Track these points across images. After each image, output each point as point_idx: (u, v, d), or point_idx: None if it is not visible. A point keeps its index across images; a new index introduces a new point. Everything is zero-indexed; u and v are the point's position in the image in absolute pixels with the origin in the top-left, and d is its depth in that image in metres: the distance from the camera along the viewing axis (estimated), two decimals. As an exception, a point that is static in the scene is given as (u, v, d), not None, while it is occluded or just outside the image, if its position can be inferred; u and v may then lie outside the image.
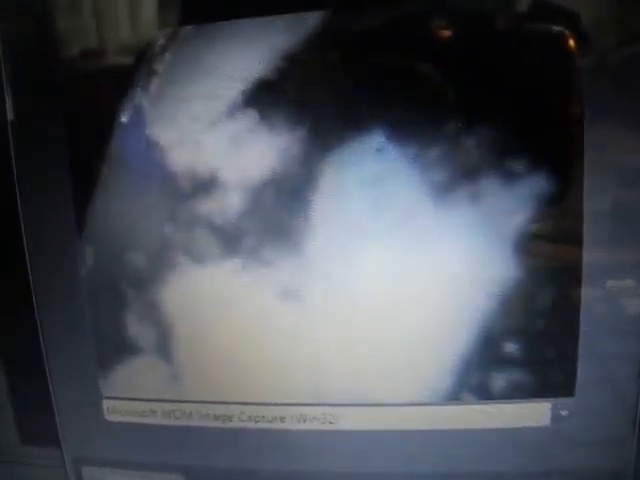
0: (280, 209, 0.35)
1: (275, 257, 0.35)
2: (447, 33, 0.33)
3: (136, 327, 0.38)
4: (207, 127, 0.35)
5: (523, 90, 0.33)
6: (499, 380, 0.35)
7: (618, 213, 0.33)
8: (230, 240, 0.36)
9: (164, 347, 0.38)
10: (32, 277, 0.38)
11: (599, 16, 0.32)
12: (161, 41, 0.35)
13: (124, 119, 0.35)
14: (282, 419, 0.38)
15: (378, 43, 0.33)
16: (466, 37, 0.33)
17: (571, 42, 0.32)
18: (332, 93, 0.34)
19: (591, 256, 0.33)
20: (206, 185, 0.35)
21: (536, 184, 0.33)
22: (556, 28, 0.32)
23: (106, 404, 0.39)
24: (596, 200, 0.33)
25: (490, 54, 0.33)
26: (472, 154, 0.33)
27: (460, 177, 0.33)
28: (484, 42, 0.33)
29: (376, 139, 0.34)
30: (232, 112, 0.34)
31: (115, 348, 0.38)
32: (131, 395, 0.39)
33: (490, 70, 0.33)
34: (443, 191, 0.34)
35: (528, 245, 0.34)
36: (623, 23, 0.32)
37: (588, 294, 0.34)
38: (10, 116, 0.36)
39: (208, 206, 0.36)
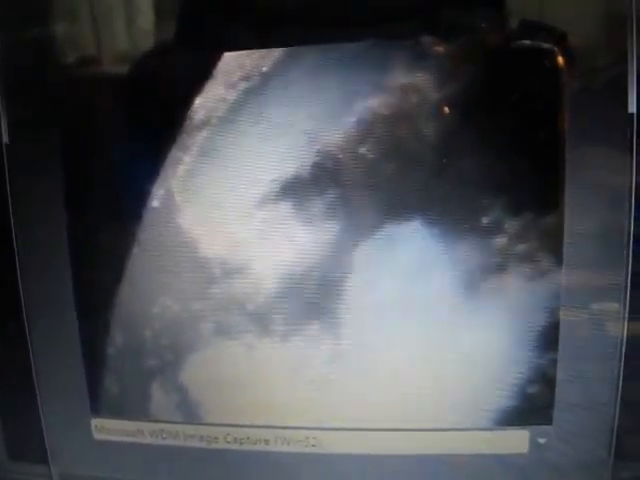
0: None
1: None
2: (439, 51, 0.33)
3: (125, 347, 0.38)
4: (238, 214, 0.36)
5: (508, 108, 0.32)
6: (478, 408, 0.35)
7: (599, 234, 0.32)
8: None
9: (153, 368, 0.38)
10: (22, 295, 0.38)
11: (585, 35, 0.32)
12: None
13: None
14: (266, 441, 0.38)
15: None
16: (456, 55, 0.33)
17: (558, 60, 0.31)
18: (366, 186, 0.34)
19: (571, 278, 0.33)
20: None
21: (516, 201, 0.33)
22: (544, 46, 0.32)
23: (94, 422, 0.40)
24: (577, 221, 0.32)
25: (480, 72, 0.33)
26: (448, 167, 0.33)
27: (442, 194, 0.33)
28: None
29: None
30: (266, 201, 0.35)
31: (104, 367, 0.39)
32: (119, 414, 0.39)
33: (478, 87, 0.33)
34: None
35: (504, 266, 0.33)
36: (608, 42, 0.32)
37: (567, 318, 0.33)
38: (4, 136, 0.37)
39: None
